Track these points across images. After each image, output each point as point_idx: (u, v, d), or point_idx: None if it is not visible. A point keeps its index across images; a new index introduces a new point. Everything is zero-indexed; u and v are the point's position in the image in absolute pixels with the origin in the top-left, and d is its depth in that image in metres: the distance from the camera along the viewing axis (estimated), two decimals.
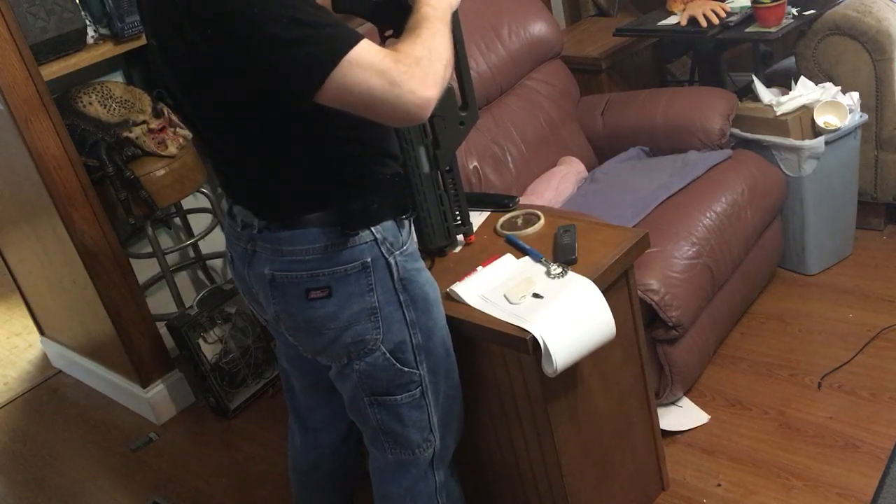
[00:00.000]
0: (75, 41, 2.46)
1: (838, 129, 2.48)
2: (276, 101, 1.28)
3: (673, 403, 2.29)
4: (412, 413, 1.57)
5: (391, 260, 1.46)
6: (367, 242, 1.43)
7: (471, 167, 2.47)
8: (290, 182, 1.41)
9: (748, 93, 2.71)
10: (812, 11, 2.65)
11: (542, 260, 1.73)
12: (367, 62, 1.22)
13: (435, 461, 1.65)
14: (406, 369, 1.52)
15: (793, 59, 2.85)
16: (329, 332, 1.46)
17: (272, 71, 1.23)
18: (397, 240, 1.47)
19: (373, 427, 1.60)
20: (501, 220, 1.94)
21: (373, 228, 1.43)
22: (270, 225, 1.44)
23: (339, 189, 1.41)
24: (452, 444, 1.70)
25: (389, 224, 1.46)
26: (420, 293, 1.51)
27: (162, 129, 2.58)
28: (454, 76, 1.65)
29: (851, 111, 2.50)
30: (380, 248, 1.44)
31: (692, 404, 2.30)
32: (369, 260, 1.44)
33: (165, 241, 3.06)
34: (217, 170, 1.53)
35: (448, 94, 1.59)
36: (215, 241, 3.06)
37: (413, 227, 1.56)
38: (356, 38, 1.23)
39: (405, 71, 1.24)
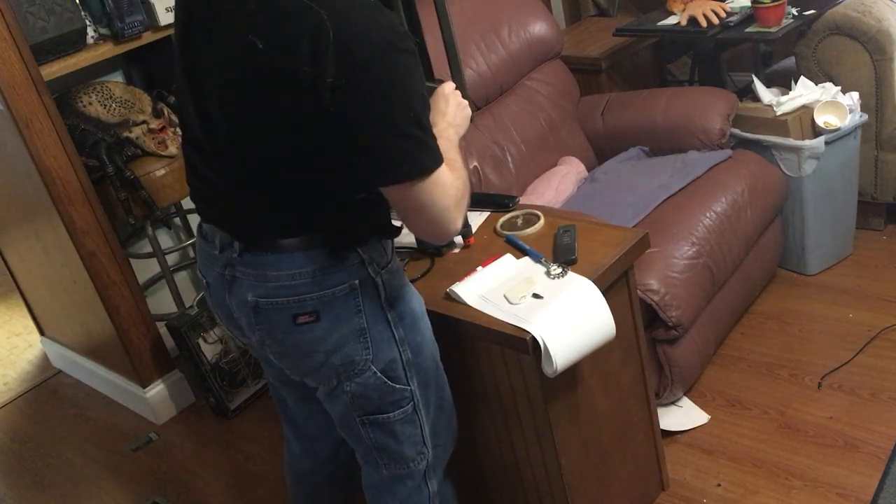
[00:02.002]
0: (75, 41, 2.46)
1: (838, 129, 2.48)
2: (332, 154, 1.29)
3: (673, 403, 2.29)
4: (405, 428, 1.56)
5: (378, 280, 1.44)
6: (354, 264, 1.41)
7: (471, 167, 2.47)
8: (277, 205, 1.38)
9: (748, 93, 2.71)
10: (812, 11, 2.64)
11: (542, 260, 1.73)
12: (444, 182, 1.31)
13: (428, 472, 1.64)
14: (398, 386, 1.51)
15: (793, 59, 2.85)
16: (318, 355, 1.44)
17: (373, 147, 1.26)
18: (382, 258, 1.46)
19: (366, 445, 1.58)
20: (501, 220, 1.94)
21: (359, 249, 1.42)
22: (251, 248, 1.41)
23: (327, 212, 1.39)
24: (445, 454, 1.69)
25: (374, 242, 1.44)
26: (407, 309, 1.50)
27: (162, 129, 2.58)
28: (448, 72, 1.66)
29: (851, 111, 2.50)
30: (367, 268, 1.43)
31: (692, 404, 2.30)
32: (357, 282, 1.42)
33: (165, 241, 3.06)
34: (201, 181, 1.48)
35: None
36: None
37: (393, 242, 1.54)
38: (442, 159, 1.31)
39: (458, 204, 1.35)
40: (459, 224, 1.37)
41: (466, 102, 1.58)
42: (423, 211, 1.31)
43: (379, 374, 1.48)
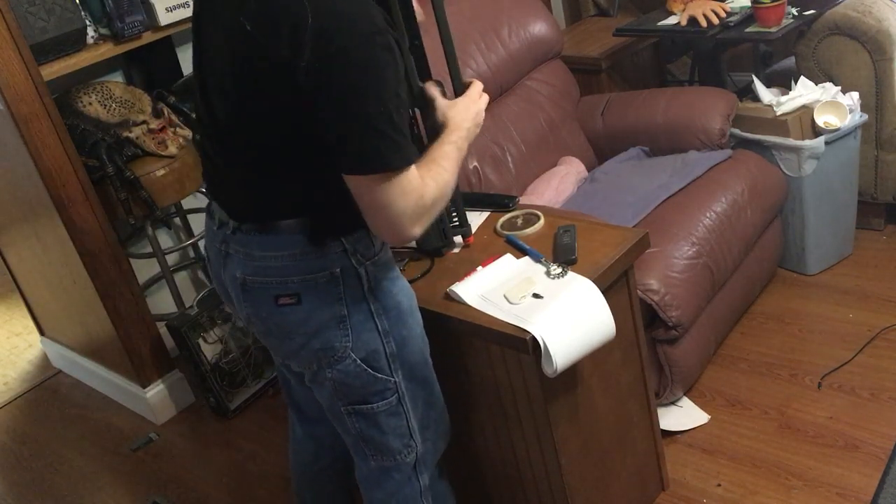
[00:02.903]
0: (75, 41, 2.46)
1: (838, 129, 2.48)
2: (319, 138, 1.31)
3: (673, 403, 2.29)
4: (390, 420, 1.56)
5: (361, 270, 1.45)
6: (337, 252, 1.43)
7: (471, 167, 2.47)
8: (270, 186, 1.42)
9: (748, 93, 2.71)
10: (812, 11, 2.65)
11: (542, 260, 1.73)
12: (405, 185, 1.30)
13: (418, 465, 1.65)
14: (380, 376, 1.52)
15: (793, 59, 2.85)
16: (297, 337, 1.47)
17: (340, 134, 1.27)
18: (369, 250, 1.46)
19: (353, 435, 1.60)
20: (501, 220, 1.94)
21: (343, 239, 1.43)
22: (243, 226, 1.45)
23: (314, 198, 1.41)
24: (435, 448, 1.69)
25: (361, 234, 1.45)
26: (392, 302, 1.51)
27: (162, 129, 2.58)
28: (445, 74, 1.66)
29: (851, 111, 2.50)
30: (350, 258, 1.44)
31: (692, 404, 2.30)
32: (338, 270, 1.43)
33: (165, 241, 3.06)
34: (210, 162, 1.53)
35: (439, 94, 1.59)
36: None
37: None
38: (413, 159, 1.32)
39: (419, 211, 1.34)
40: (416, 232, 1.36)
41: (483, 113, 1.58)
42: (378, 209, 1.32)
43: (360, 362, 1.49)
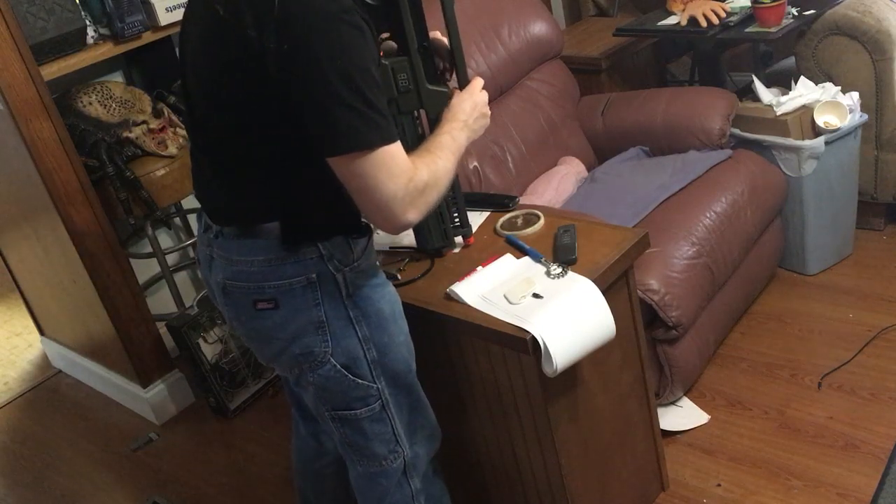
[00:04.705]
0: (75, 41, 2.46)
1: (838, 129, 2.48)
2: (300, 130, 1.31)
3: (673, 403, 2.29)
4: (374, 426, 1.56)
5: (339, 276, 1.45)
6: (312, 258, 1.43)
7: (471, 167, 2.47)
8: (246, 187, 1.42)
9: (748, 93, 2.71)
10: (812, 11, 2.65)
11: (542, 260, 1.73)
12: (390, 165, 1.29)
13: (408, 470, 1.64)
14: (362, 382, 1.51)
15: (793, 59, 2.85)
16: (277, 342, 1.47)
17: (314, 116, 1.27)
18: (347, 256, 1.46)
19: (339, 441, 1.61)
20: (501, 220, 1.94)
21: (320, 244, 1.43)
22: (225, 231, 1.46)
23: (289, 201, 1.41)
24: (426, 451, 1.69)
25: (339, 240, 1.45)
26: (372, 309, 1.50)
27: (162, 129, 2.59)
28: (453, 79, 1.66)
29: (851, 111, 2.50)
30: (326, 264, 1.43)
31: (692, 404, 2.30)
32: (314, 275, 1.43)
33: (165, 241, 3.07)
34: (196, 163, 1.54)
35: (443, 98, 1.59)
36: None
37: (371, 243, 1.53)
38: (393, 138, 1.30)
39: (410, 195, 1.32)
40: (411, 219, 1.35)
41: (489, 111, 1.59)
42: (366, 193, 1.31)
43: (339, 367, 1.49)
